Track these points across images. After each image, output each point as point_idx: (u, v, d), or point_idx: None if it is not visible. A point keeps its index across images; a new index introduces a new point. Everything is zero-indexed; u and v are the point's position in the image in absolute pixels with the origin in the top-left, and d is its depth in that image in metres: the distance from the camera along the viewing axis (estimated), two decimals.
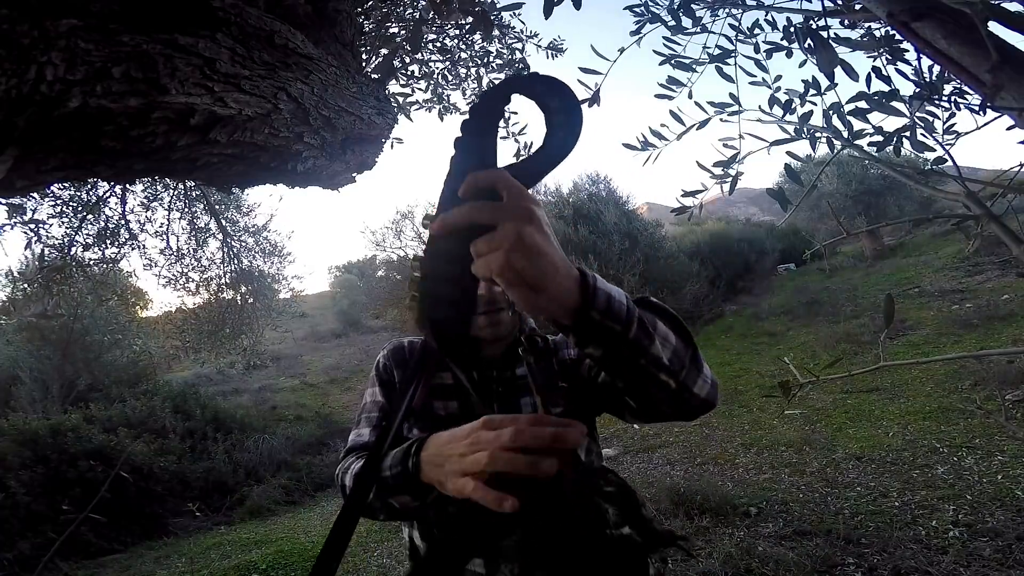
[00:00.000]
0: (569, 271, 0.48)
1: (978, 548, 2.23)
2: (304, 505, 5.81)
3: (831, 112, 1.30)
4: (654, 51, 1.50)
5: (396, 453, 0.69)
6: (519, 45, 2.55)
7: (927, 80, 1.23)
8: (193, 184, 4.23)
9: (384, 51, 1.78)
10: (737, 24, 1.48)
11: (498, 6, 1.88)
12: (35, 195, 3.30)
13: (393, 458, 0.69)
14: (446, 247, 0.47)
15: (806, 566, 2.31)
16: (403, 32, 1.95)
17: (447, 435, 0.62)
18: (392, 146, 2.44)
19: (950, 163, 1.18)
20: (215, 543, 4.36)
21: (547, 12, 1.36)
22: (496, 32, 2.48)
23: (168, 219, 4.67)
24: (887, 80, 1.27)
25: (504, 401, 0.89)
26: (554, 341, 0.96)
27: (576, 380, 0.90)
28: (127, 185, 3.68)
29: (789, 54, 1.42)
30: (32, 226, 3.43)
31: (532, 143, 2.48)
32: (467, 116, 0.48)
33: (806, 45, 1.26)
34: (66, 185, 3.40)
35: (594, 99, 1.55)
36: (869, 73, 1.28)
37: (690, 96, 1.50)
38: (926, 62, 1.23)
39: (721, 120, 1.38)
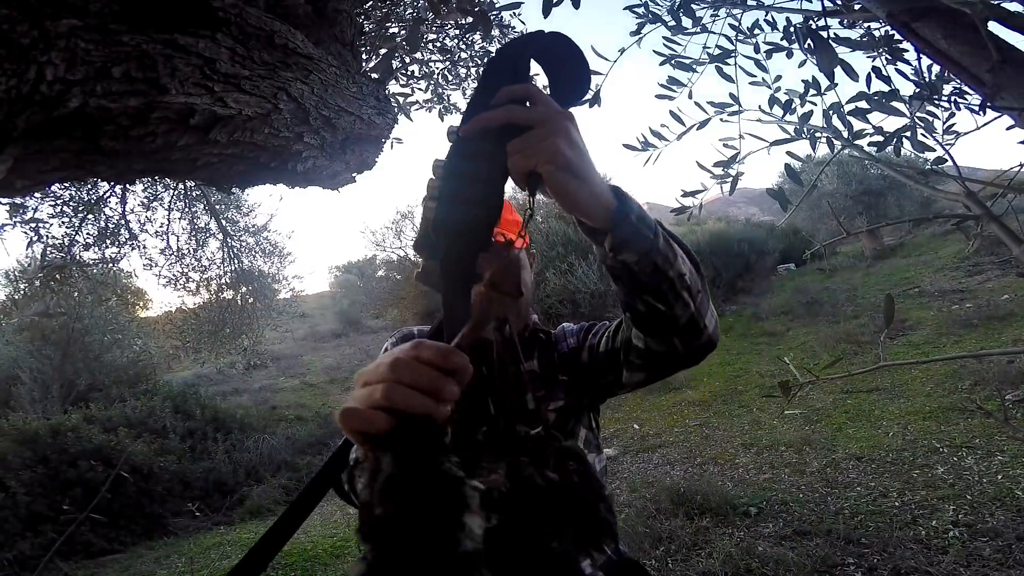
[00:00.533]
0: (602, 178, 0.50)
1: (978, 548, 2.23)
2: None
3: (831, 112, 1.30)
4: (654, 51, 1.50)
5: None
6: None
7: (927, 80, 1.23)
8: (193, 184, 4.23)
9: (383, 51, 1.78)
10: (737, 24, 1.48)
11: (497, 5, 1.88)
12: (35, 195, 3.30)
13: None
14: (476, 148, 0.45)
15: (806, 566, 2.31)
16: (402, 32, 1.95)
17: None
18: (392, 146, 2.44)
19: (950, 163, 1.18)
20: (215, 543, 4.36)
21: (546, 11, 1.36)
22: (496, 32, 2.48)
23: (168, 219, 4.68)
24: (887, 80, 1.27)
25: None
26: (554, 335, 0.96)
27: (576, 370, 0.89)
28: (127, 185, 3.68)
29: (789, 54, 1.42)
30: (32, 226, 3.43)
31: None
32: (501, 48, 0.50)
33: (806, 45, 1.26)
34: (66, 185, 3.41)
35: (595, 99, 1.55)
36: (869, 73, 1.27)
37: (690, 96, 1.50)
38: (926, 62, 1.23)
39: (721, 120, 1.38)
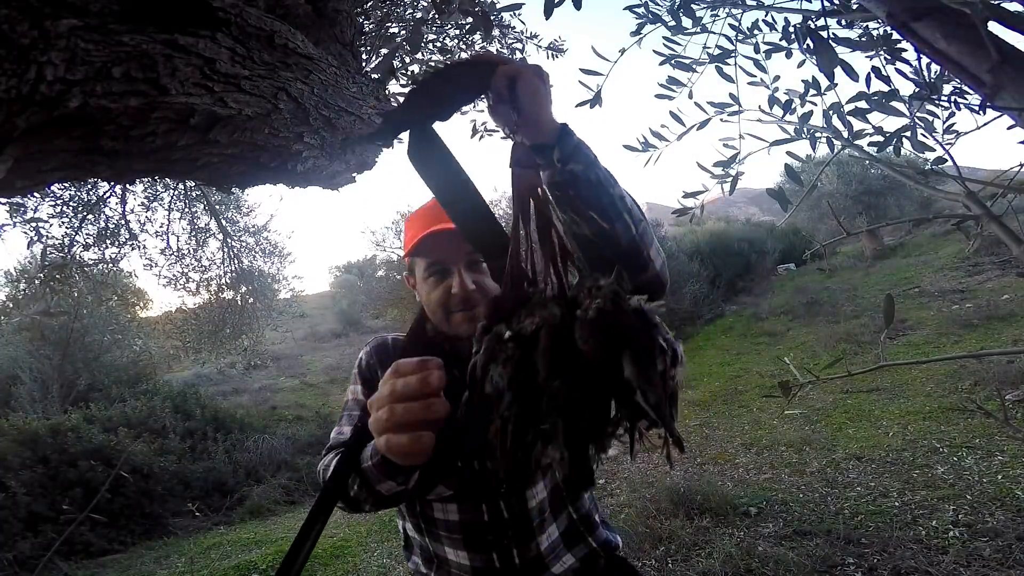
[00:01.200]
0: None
1: (978, 548, 2.23)
2: (304, 505, 5.81)
3: (831, 112, 1.30)
4: (654, 51, 1.50)
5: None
6: (519, 46, 2.55)
7: (928, 80, 1.23)
8: (193, 184, 4.23)
9: (384, 51, 1.78)
10: (737, 24, 1.48)
11: (498, 6, 1.88)
12: (35, 195, 3.30)
13: (372, 447, 0.68)
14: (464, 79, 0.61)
15: (806, 566, 2.31)
16: (403, 32, 1.94)
17: None
18: (392, 146, 2.44)
19: (950, 163, 1.18)
20: (215, 543, 4.36)
21: (547, 13, 1.36)
22: (496, 32, 2.48)
23: (168, 219, 4.68)
24: (887, 80, 1.27)
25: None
26: None
27: None
28: (127, 185, 3.68)
29: (788, 54, 1.42)
30: (32, 226, 3.43)
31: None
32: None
33: (805, 45, 1.26)
34: (66, 185, 3.41)
35: (596, 100, 1.55)
36: (869, 73, 1.27)
37: (690, 96, 1.50)
38: (925, 62, 1.23)
39: (721, 120, 1.38)
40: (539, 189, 0.51)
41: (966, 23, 0.73)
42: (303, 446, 7.21)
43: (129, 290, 7.34)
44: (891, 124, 1.29)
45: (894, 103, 1.22)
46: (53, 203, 3.54)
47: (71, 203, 3.65)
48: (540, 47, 2.67)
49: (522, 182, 0.51)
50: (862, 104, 1.22)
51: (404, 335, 0.96)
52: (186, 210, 4.79)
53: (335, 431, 0.93)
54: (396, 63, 2.32)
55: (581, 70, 1.49)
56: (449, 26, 2.24)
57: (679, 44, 1.48)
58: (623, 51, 1.46)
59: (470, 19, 1.74)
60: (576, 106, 1.57)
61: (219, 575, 3.50)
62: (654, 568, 2.56)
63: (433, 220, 0.89)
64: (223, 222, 5.38)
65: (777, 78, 1.41)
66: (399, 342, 0.96)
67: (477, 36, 2.40)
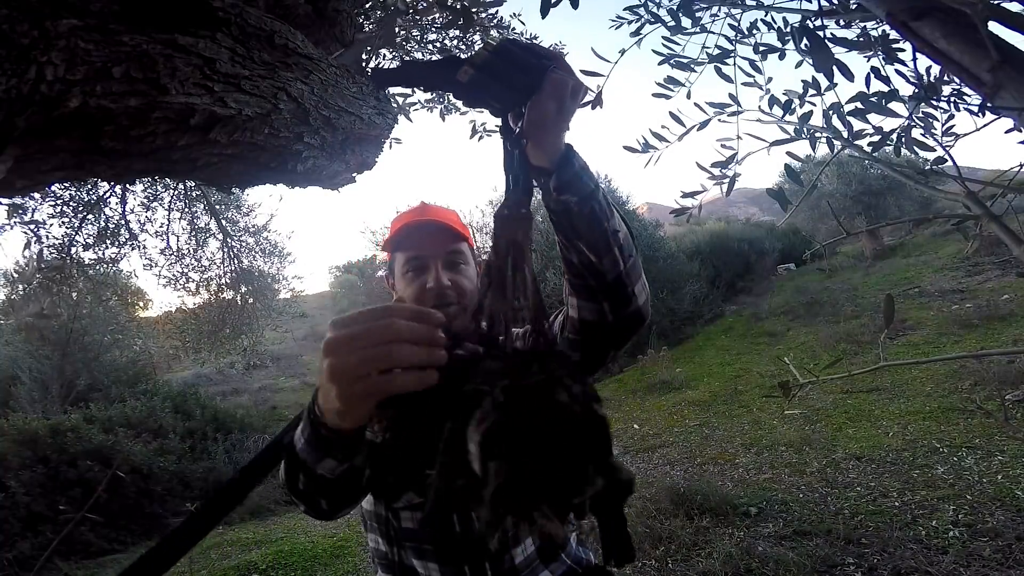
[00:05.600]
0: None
1: (978, 548, 2.23)
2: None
3: (831, 112, 1.30)
4: (653, 51, 1.50)
5: (300, 418, 0.60)
6: None
7: (928, 80, 1.23)
8: (193, 184, 4.23)
9: (359, 37, 1.74)
10: (736, 24, 1.48)
11: (481, 1, 1.84)
12: (35, 195, 3.30)
13: (301, 424, 0.58)
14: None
15: (806, 566, 2.31)
16: (373, 24, 1.91)
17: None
18: (391, 146, 2.44)
19: (950, 163, 1.18)
20: (215, 543, 4.36)
21: (544, 12, 1.36)
22: (496, 33, 2.48)
23: (168, 219, 4.68)
24: (886, 80, 1.27)
25: None
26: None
27: None
28: (127, 185, 3.68)
29: (782, 55, 1.42)
30: (32, 226, 3.43)
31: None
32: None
33: (802, 45, 1.26)
34: (66, 185, 3.41)
35: (597, 101, 1.55)
36: (868, 73, 1.28)
37: (688, 96, 1.50)
38: (923, 62, 1.23)
39: (720, 121, 1.38)
40: (519, 240, 0.47)
41: (966, 23, 0.74)
42: None
43: (129, 290, 7.33)
44: (892, 124, 1.29)
45: (893, 104, 1.22)
46: (53, 203, 3.54)
47: (71, 203, 3.65)
48: None
49: (505, 230, 0.48)
50: (860, 104, 1.22)
51: None
52: (186, 210, 4.79)
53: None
54: (397, 64, 2.32)
55: (581, 71, 1.49)
56: (430, 19, 2.21)
57: (678, 44, 1.48)
58: (623, 52, 1.46)
59: (449, 14, 1.71)
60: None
61: (219, 575, 3.50)
62: (654, 568, 2.56)
63: (417, 216, 0.89)
64: (223, 222, 5.38)
65: (770, 80, 1.41)
66: None
67: (477, 36, 2.40)
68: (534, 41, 0.63)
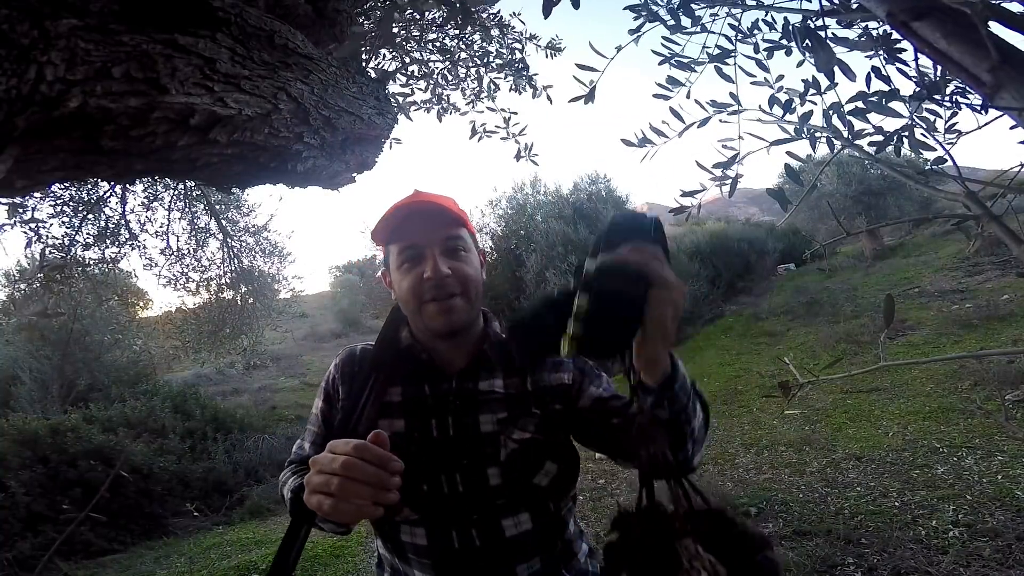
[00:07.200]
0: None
1: (978, 548, 2.23)
2: None
3: (831, 112, 1.30)
4: (652, 51, 1.50)
5: (296, 480, 0.75)
6: (519, 45, 2.55)
7: (929, 80, 1.23)
8: (193, 184, 4.23)
9: (355, 32, 1.73)
10: (737, 24, 1.48)
11: None
12: (35, 195, 3.30)
13: (293, 482, 0.74)
14: (621, 273, 0.51)
15: (806, 566, 2.31)
16: (372, 23, 1.90)
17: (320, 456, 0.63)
18: (391, 146, 2.44)
19: (950, 163, 1.18)
20: (215, 543, 4.36)
21: (546, 12, 1.36)
22: (496, 32, 2.48)
23: (168, 219, 4.68)
24: (887, 80, 1.27)
25: (460, 418, 0.79)
26: (549, 361, 0.85)
27: (564, 405, 0.82)
28: (127, 185, 3.68)
29: (788, 52, 1.42)
30: (32, 226, 3.43)
31: (532, 144, 2.48)
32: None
33: (804, 45, 1.26)
34: (66, 185, 3.41)
35: (590, 96, 1.55)
36: (869, 73, 1.27)
37: (688, 96, 1.50)
38: (924, 62, 1.23)
39: (720, 120, 1.38)
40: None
41: (966, 23, 0.73)
42: None
43: (129, 290, 7.33)
44: (892, 124, 1.29)
45: (894, 103, 1.22)
46: (53, 203, 3.54)
47: (71, 203, 3.65)
48: (539, 47, 2.67)
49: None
50: (861, 104, 1.22)
51: (373, 343, 0.90)
52: (186, 210, 4.79)
53: (297, 444, 0.92)
54: (397, 64, 2.32)
55: (577, 65, 1.49)
56: (429, 17, 2.20)
57: (678, 44, 1.48)
58: (619, 48, 1.46)
59: (444, 11, 1.70)
60: (569, 101, 1.58)
61: (219, 575, 3.49)
62: None
63: (408, 203, 0.81)
64: (223, 222, 5.38)
65: (780, 77, 1.40)
66: (368, 351, 0.89)
67: (477, 36, 2.40)
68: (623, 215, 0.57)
